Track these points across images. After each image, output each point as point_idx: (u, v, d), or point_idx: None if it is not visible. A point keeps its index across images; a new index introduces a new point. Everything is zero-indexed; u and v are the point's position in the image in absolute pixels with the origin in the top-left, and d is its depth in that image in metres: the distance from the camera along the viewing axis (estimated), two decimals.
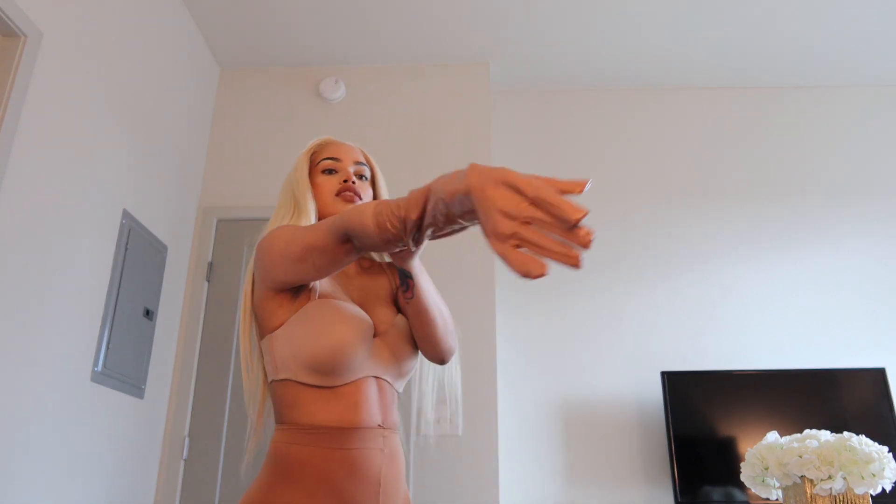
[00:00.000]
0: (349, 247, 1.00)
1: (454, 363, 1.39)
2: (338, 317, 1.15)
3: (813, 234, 3.11)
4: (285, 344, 1.15)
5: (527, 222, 0.70)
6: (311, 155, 1.36)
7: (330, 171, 1.33)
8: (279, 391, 1.17)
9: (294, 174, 1.34)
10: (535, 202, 0.70)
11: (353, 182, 1.31)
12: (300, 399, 1.14)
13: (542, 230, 0.70)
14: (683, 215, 3.15)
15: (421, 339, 1.25)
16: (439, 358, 1.28)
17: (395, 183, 2.99)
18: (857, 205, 3.15)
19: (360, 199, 1.31)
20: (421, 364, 1.39)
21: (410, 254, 1.13)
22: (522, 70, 3.27)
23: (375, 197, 1.39)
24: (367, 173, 1.37)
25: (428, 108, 3.14)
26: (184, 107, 2.87)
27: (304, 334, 1.13)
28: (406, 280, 1.18)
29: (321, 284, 1.21)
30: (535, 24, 2.97)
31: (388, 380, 1.23)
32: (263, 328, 1.20)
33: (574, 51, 3.14)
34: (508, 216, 0.71)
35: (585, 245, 0.69)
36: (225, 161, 3.09)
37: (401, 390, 1.28)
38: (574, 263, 0.69)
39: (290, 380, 1.15)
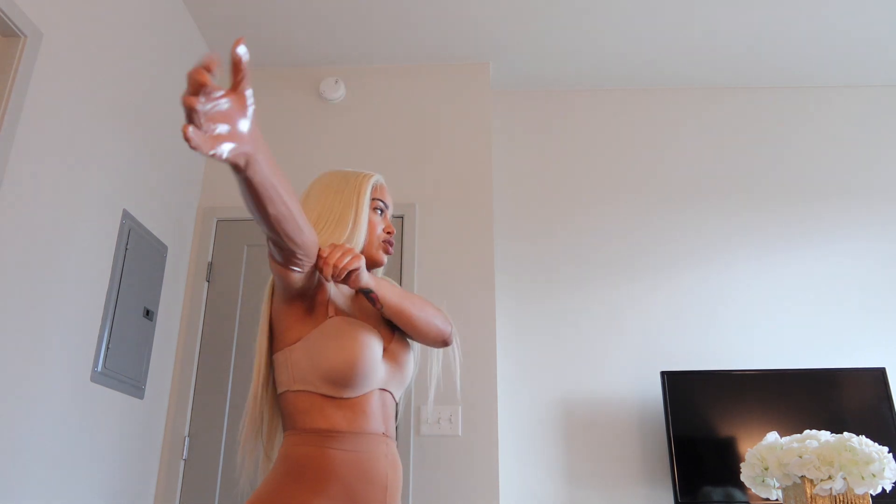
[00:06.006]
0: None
1: (454, 349, 1.48)
2: (357, 334, 1.22)
3: (813, 234, 3.10)
4: (305, 357, 1.21)
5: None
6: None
7: (379, 211, 1.41)
8: (293, 400, 1.22)
9: (358, 197, 1.35)
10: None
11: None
12: (314, 406, 1.20)
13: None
14: (684, 215, 3.15)
15: (414, 336, 1.33)
16: (440, 342, 1.37)
17: (396, 183, 3.01)
18: (858, 205, 3.15)
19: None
20: (423, 353, 1.47)
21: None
22: (522, 70, 3.27)
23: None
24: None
25: (428, 108, 3.14)
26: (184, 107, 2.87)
27: (325, 349, 1.20)
28: (369, 295, 1.26)
29: (339, 303, 1.29)
30: (535, 24, 2.97)
31: (392, 390, 1.31)
32: (280, 341, 1.26)
33: (574, 51, 3.14)
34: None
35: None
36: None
37: (400, 400, 1.37)
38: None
39: (306, 391, 1.21)
